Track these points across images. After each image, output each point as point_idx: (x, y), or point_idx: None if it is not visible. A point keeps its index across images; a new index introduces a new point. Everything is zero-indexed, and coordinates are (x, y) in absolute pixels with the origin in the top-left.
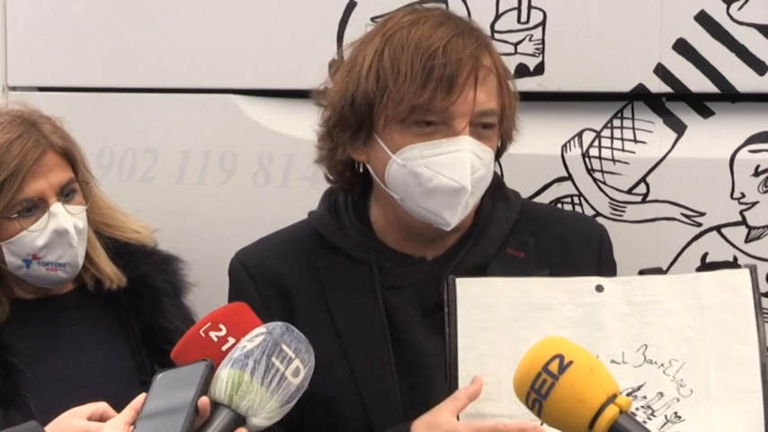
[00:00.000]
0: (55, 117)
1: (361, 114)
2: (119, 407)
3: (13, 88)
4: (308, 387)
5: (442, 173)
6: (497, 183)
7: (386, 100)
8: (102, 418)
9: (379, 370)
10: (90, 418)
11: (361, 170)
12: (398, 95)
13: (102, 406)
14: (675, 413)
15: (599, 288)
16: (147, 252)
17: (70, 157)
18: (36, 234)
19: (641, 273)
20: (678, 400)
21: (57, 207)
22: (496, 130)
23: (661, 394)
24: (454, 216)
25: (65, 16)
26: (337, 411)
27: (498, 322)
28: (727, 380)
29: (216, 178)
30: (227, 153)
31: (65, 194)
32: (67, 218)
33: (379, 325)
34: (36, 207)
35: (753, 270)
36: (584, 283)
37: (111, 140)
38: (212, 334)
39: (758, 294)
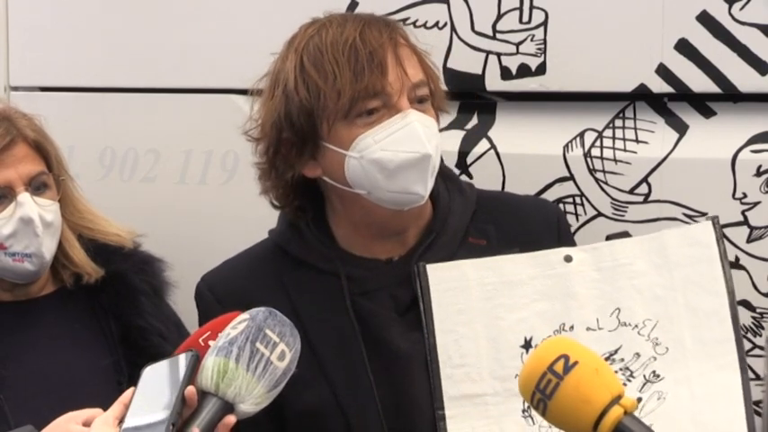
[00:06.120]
0: (33, 114)
1: (301, 128)
2: (95, 406)
3: (15, 88)
4: (290, 401)
5: (400, 149)
6: (450, 176)
7: (323, 101)
8: None
9: (357, 379)
10: (85, 424)
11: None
12: (335, 92)
13: (97, 412)
14: (654, 372)
15: (567, 258)
16: (125, 253)
17: (43, 150)
18: (2, 223)
19: (608, 238)
20: (655, 358)
21: (24, 197)
22: (431, 103)
23: (638, 355)
24: (425, 187)
25: (66, 16)
26: (319, 425)
27: (472, 303)
28: (701, 334)
29: (217, 178)
30: (229, 153)
31: (35, 187)
32: (33, 207)
33: (352, 333)
34: (4, 197)
35: (715, 222)
36: (553, 255)
37: (113, 140)
38: (211, 343)
39: (723, 246)
